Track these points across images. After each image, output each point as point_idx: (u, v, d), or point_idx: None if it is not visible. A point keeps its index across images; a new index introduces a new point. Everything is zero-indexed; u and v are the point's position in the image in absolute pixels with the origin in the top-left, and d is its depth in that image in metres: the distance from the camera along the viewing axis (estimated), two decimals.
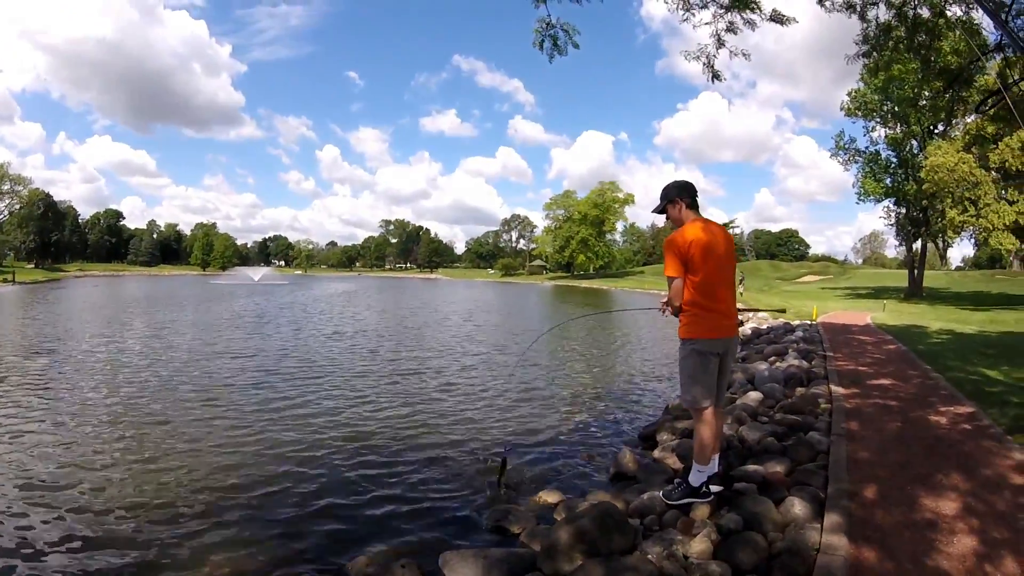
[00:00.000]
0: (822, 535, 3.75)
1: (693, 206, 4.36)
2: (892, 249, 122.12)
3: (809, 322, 18.48)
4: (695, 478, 4.38)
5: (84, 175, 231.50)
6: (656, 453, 6.11)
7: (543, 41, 9.17)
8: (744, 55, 9.89)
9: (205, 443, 7.10)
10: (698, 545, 3.85)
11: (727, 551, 3.77)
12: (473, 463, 6.65)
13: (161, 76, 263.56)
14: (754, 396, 8.05)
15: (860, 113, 39.22)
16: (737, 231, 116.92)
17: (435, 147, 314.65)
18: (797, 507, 4.19)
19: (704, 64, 10.06)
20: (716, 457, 4.45)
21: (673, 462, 5.72)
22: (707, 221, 4.31)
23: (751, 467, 5.11)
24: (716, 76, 10.17)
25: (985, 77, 15.51)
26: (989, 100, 11.56)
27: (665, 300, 4.44)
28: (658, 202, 4.51)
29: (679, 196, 4.35)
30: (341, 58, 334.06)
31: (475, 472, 6.36)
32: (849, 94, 39.50)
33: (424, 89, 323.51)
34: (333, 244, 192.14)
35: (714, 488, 4.39)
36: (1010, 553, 3.52)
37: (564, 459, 6.85)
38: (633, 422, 8.56)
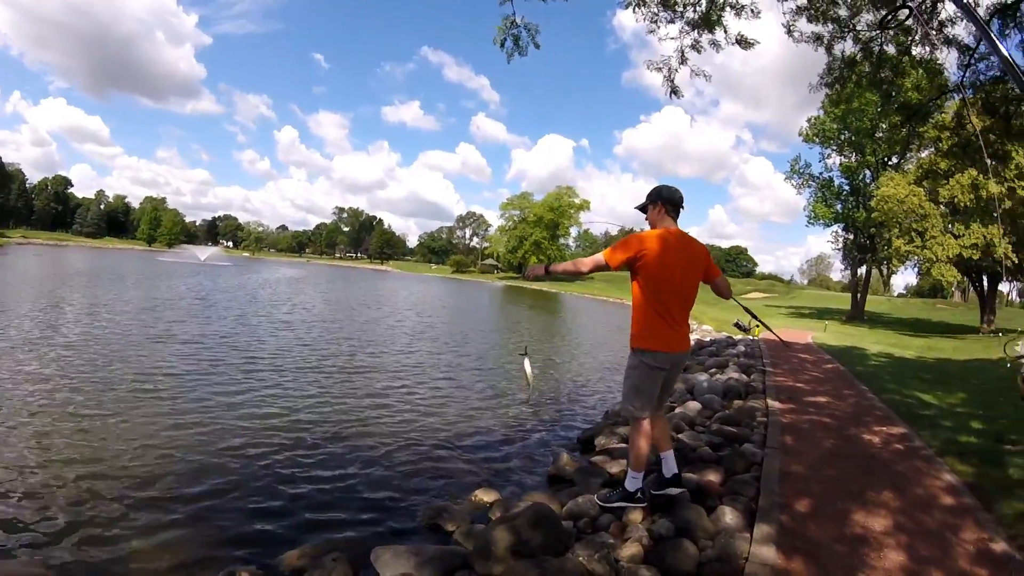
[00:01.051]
0: (751, 544, 3.74)
1: (672, 215, 4.24)
2: (837, 272, 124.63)
3: (751, 338, 18.81)
4: (631, 484, 4.34)
5: (35, 138, 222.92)
6: (594, 457, 6.09)
7: (505, 40, 9.11)
8: (705, 76, 10.03)
9: (136, 435, 6.69)
10: (629, 549, 3.82)
11: (658, 556, 3.75)
12: (411, 460, 6.54)
13: (124, 42, 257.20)
14: (693, 406, 8.07)
15: (818, 140, 40.32)
16: None
17: (395, 137, 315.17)
18: (728, 516, 4.19)
19: (665, 77, 10.15)
20: (670, 455, 4.46)
21: (610, 467, 5.70)
22: (681, 234, 4.21)
23: (686, 474, 5.10)
24: (675, 91, 10.29)
25: (943, 115, 15.95)
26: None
27: (552, 266, 4.29)
28: (642, 200, 4.40)
29: (662, 200, 4.23)
30: (309, 38, 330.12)
31: (413, 469, 6.26)
32: (809, 121, 40.64)
33: (390, 77, 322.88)
34: (284, 228, 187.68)
35: (674, 490, 4.38)
36: (937, 569, 3.58)
37: (503, 459, 6.79)
38: (574, 425, 8.56)
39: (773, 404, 8.07)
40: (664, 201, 4.22)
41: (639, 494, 4.34)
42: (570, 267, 4.21)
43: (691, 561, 3.69)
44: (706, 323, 25.83)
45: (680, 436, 6.36)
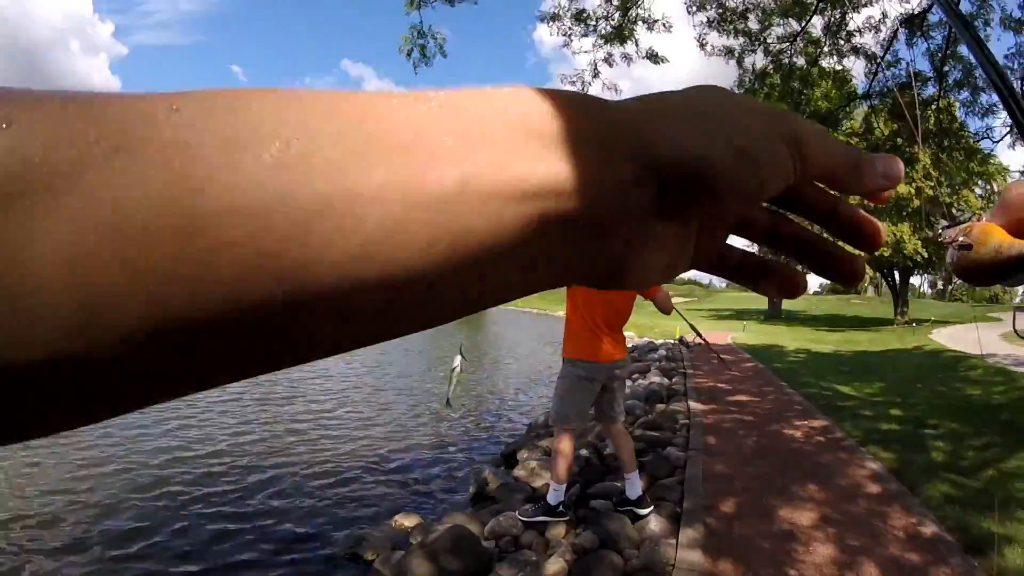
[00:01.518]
0: (677, 551, 3.60)
1: None
2: None
3: (672, 341, 19.02)
4: (552, 497, 4.15)
5: None
6: (516, 472, 5.87)
7: (411, 50, 8.95)
8: (616, 89, 10.12)
9: (22, 477, 6.14)
10: (553, 566, 3.61)
11: (582, 570, 3.55)
12: (331, 488, 6.20)
13: (35, 50, 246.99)
14: None
15: None
16: None
17: None
18: (653, 523, 4.03)
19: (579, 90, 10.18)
20: (635, 477, 4.27)
21: (533, 481, 5.50)
22: None
23: (609, 483, 4.95)
24: None
25: (851, 122, 16.57)
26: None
27: None
28: None
29: None
30: (228, 50, 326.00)
31: (333, 498, 5.92)
32: None
33: None
34: None
35: (642, 511, 4.16)
36: (867, 558, 3.51)
37: (425, 480, 6.49)
38: (500, 439, 8.28)
39: (695, 406, 8.03)
40: None
41: (561, 507, 4.15)
42: None
43: (617, 573, 3.51)
44: (628, 329, 25.75)
45: (600, 445, 6.22)
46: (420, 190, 0.19)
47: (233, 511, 5.50)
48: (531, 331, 33.48)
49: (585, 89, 10.07)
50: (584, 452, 5.96)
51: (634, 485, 4.22)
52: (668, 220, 0.25)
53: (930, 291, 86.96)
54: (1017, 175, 33.06)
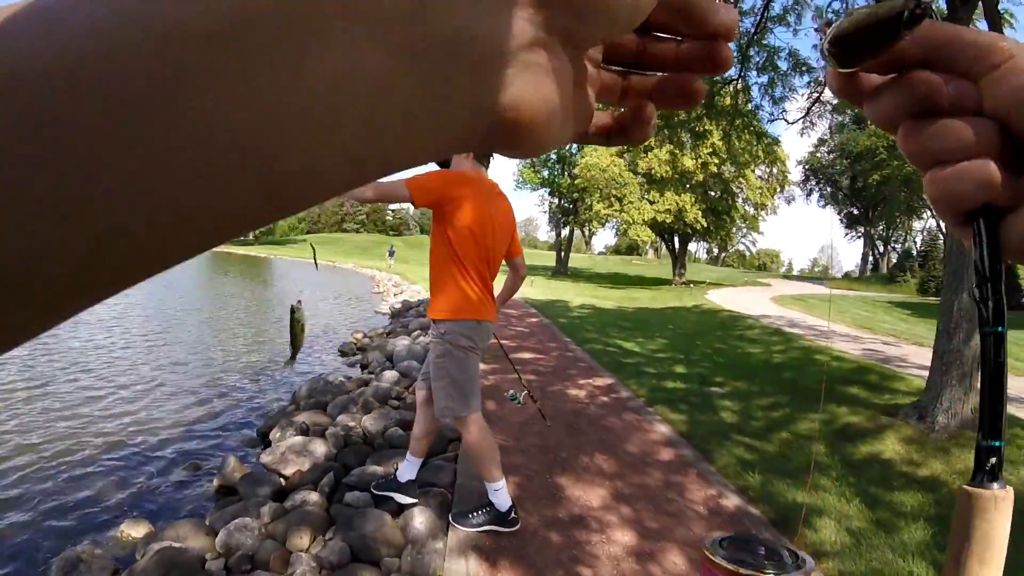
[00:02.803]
0: (446, 557, 2.92)
1: (483, 162, 3.19)
2: (544, 233, 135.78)
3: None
4: (497, 498, 3.18)
5: None
6: (265, 458, 4.84)
7: None
8: None
9: None
10: None
11: None
12: (50, 494, 4.89)
13: None
14: (389, 376, 7.18)
15: None
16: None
17: None
18: (418, 519, 3.27)
19: None
20: (417, 462, 3.50)
21: (284, 467, 4.61)
22: (495, 187, 3.13)
23: (370, 467, 4.18)
24: None
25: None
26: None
27: None
28: None
29: None
30: None
31: (50, 507, 4.64)
32: None
33: None
34: None
35: (405, 500, 3.39)
36: (670, 544, 3.11)
37: (164, 472, 5.29)
38: (261, 411, 7.10)
39: None
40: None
41: (513, 513, 3.21)
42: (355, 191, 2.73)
43: None
44: (417, 283, 24.84)
45: (365, 419, 5.40)
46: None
47: None
48: (314, 282, 31.20)
49: None
50: (337, 430, 5.13)
51: (412, 468, 3.47)
52: (551, 51, 0.23)
53: (705, 256, 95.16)
54: (795, 163, 37.28)
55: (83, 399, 7.19)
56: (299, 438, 4.98)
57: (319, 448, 4.71)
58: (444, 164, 3.08)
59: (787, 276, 60.29)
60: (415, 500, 3.41)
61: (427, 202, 2.89)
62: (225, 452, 5.71)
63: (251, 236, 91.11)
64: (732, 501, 3.66)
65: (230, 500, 4.39)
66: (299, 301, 2.86)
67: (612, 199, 34.93)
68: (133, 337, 12.13)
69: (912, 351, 10.55)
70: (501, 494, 3.14)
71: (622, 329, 12.22)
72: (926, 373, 5.73)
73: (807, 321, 15.38)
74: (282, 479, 4.45)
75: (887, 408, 5.89)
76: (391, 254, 38.66)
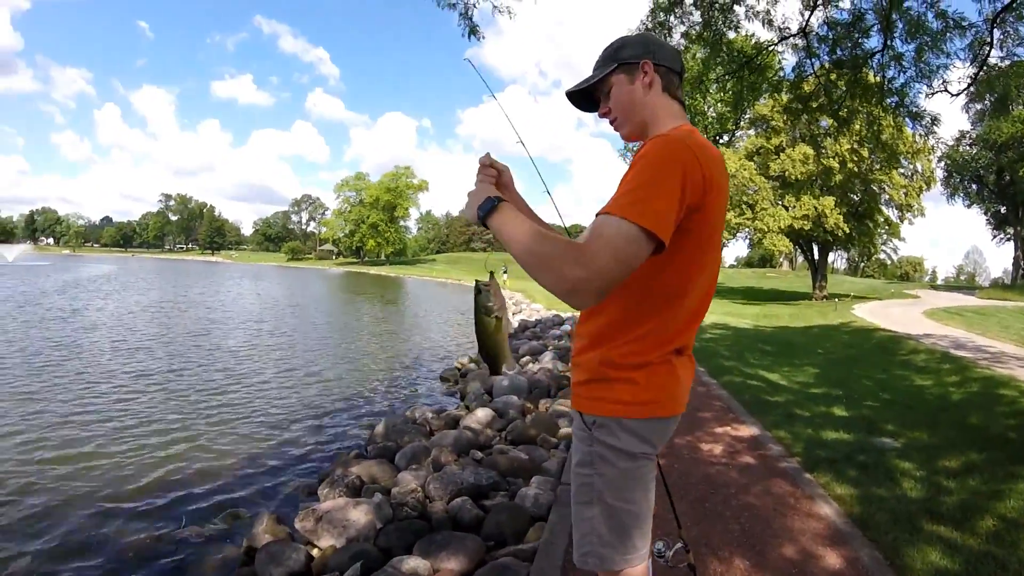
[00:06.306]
0: None
1: (677, 95, 1.73)
2: None
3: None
4: None
5: None
6: (299, 521, 3.77)
7: None
8: (510, 13, 8.16)
9: None
10: None
11: None
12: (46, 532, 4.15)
13: None
14: (481, 416, 6.02)
15: None
16: None
17: (226, 115, 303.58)
18: None
19: (461, 14, 8.15)
20: None
21: (318, 539, 3.54)
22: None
23: (412, 561, 3.04)
24: (474, 31, 8.27)
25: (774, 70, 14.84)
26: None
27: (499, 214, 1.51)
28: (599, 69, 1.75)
29: (666, 62, 1.70)
30: (133, 3, 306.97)
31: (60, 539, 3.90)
32: None
33: (219, 48, 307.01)
34: (108, 220, 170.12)
35: None
36: None
37: (201, 519, 4.44)
38: (338, 447, 6.12)
39: None
40: (668, 63, 1.70)
41: None
42: (535, 243, 1.38)
43: None
44: (538, 301, 23.93)
45: (429, 482, 4.19)
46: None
47: None
48: (440, 302, 31.31)
49: (470, 13, 8.19)
50: (387, 497, 3.78)
51: None
52: None
53: (845, 267, 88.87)
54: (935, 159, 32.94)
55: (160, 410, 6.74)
56: (342, 500, 3.93)
57: (360, 518, 3.64)
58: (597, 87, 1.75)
59: (933, 285, 54.74)
60: None
61: (652, 221, 1.35)
62: (271, 502, 4.80)
63: (383, 256, 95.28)
64: None
65: (244, 573, 3.43)
66: (492, 274, 1.63)
67: (743, 206, 31.71)
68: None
69: None
70: None
71: (764, 354, 10.53)
72: None
73: (973, 341, 12.87)
74: (313, 551, 3.42)
75: None
76: (504, 272, 37.63)
